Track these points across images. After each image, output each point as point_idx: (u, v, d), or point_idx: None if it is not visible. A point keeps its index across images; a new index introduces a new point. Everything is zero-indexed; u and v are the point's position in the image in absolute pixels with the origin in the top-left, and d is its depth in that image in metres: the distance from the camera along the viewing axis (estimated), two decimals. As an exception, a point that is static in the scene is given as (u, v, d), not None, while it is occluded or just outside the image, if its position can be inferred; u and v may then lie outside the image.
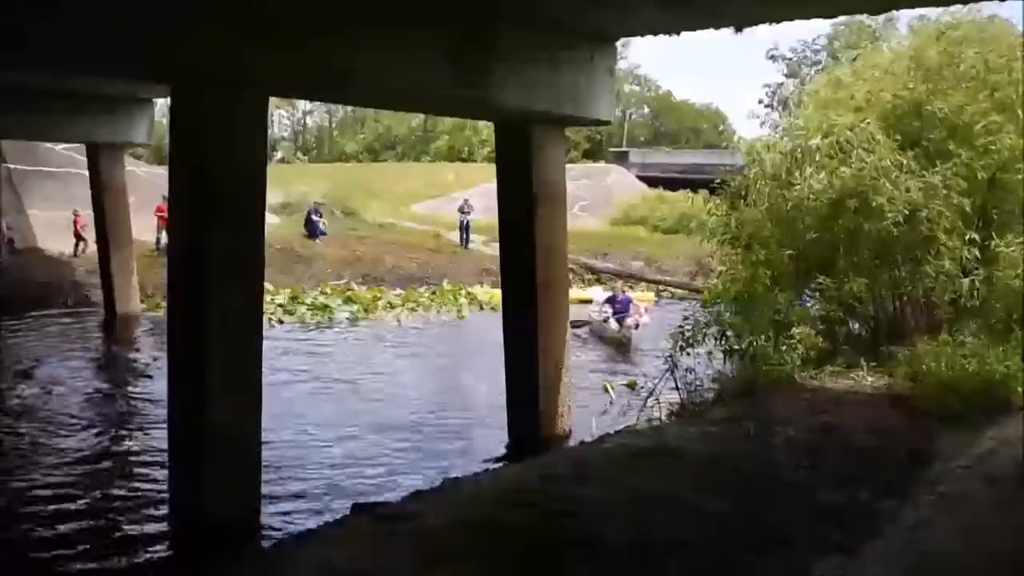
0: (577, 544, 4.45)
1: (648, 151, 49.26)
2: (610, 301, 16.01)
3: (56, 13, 5.67)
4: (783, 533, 4.42)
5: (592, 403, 10.23)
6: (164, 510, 6.75)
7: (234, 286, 6.20)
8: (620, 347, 14.53)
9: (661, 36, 7.98)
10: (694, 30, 7.86)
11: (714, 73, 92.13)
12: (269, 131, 12.88)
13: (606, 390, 11.10)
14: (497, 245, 9.32)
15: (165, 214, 18.56)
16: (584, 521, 4.71)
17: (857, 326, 9.29)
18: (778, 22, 7.49)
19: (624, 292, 16.84)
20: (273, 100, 8.91)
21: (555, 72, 7.75)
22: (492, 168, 9.14)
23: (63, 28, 5.71)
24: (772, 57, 52.92)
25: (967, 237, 8.23)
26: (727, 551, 4.23)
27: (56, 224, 18.64)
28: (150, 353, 12.97)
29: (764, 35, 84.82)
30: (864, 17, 29.17)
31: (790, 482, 5.30)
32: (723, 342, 8.82)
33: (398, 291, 20.22)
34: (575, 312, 10.96)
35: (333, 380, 11.63)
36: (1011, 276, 8.06)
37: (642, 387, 9.25)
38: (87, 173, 16.58)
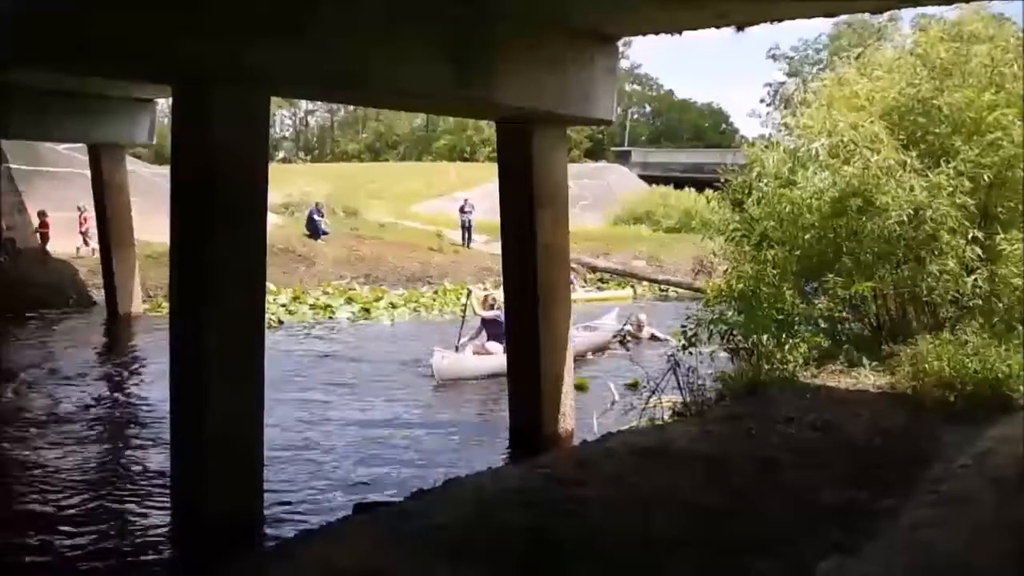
0: (578, 544, 4.45)
1: (650, 150, 49.30)
2: (487, 323, 12.53)
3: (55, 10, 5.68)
4: (784, 532, 4.42)
5: (594, 402, 10.22)
6: (165, 510, 6.77)
7: (235, 286, 6.19)
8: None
9: (662, 35, 7.98)
10: (695, 29, 7.85)
11: (715, 72, 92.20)
12: (271, 131, 12.89)
13: (579, 387, 10.73)
14: (499, 245, 9.31)
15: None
16: (585, 521, 4.71)
17: (860, 324, 9.30)
18: (779, 21, 7.48)
19: (495, 303, 12.62)
20: (275, 100, 8.93)
21: (556, 72, 7.75)
22: (494, 168, 9.13)
23: (62, 26, 5.72)
24: (773, 56, 52.92)
25: (970, 235, 8.23)
26: (728, 551, 4.23)
27: (57, 224, 18.62)
28: (151, 355, 12.96)
29: (765, 35, 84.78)
30: (867, 16, 29.12)
31: (791, 481, 5.30)
32: (727, 341, 8.83)
33: (400, 291, 20.24)
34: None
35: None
36: (1014, 274, 8.06)
37: (644, 387, 9.24)
38: (88, 173, 16.60)
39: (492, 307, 12.83)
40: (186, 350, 6.30)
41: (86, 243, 18.69)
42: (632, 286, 23.26)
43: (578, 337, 12.41)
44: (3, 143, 17.97)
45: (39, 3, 6.02)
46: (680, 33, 7.81)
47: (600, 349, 14.40)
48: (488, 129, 38.11)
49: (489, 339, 12.50)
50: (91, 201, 16.56)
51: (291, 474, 7.82)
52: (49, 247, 18.21)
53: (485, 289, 17.95)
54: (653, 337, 14.89)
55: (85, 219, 18.56)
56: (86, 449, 8.58)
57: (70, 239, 18.61)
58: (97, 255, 17.46)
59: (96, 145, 15.97)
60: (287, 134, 67.74)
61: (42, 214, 18.26)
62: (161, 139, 20.09)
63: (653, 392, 8.89)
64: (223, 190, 6.08)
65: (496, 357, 11.88)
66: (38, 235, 18.22)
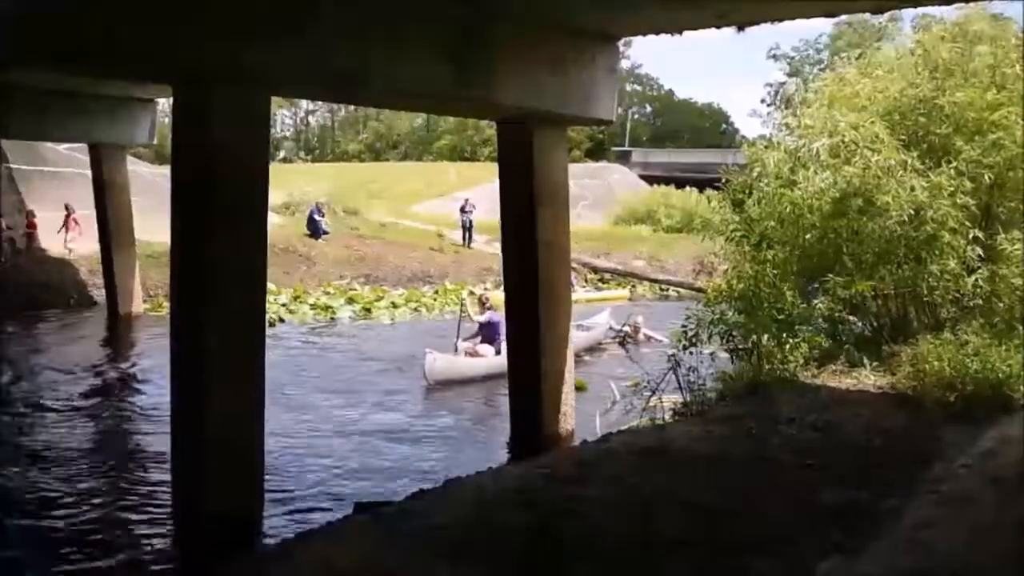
0: (579, 543, 4.45)
1: (650, 150, 49.26)
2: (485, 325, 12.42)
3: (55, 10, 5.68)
4: (784, 532, 4.42)
5: (594, 402, 10.21)
6: (165, 510, 6.77)
7: (236, 286, 6.19)
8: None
9: (662, 35, 7.97)
10: (695, 29, 7.85)
11: (715, 72, 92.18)
12: (272, 130, 12.77)
13: (577, 388, 10.67)
14: (499, 245, 9.30)
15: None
16: (586, 520, 4.71)
17: (860, 324, 9.29)
18: (779, 21, 7.48)
19: (488, 303, 12.88)
20: (275, 100, 8.92)
21: (557, 72, 7.74)
22: (494, 168, 9.12)
23: (62, 26, 5.72)
24: (774, 56, 52.92)
25: (971, 235, 8.22)
26: (728, 550, 4.23)
27: (54, 224, 18.59)
28: (151, 355, 12.94)
29: (765, 35, 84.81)
30: (867, 16, 29.10)
31: (792, 481, 5.30)
32: (727, 341, 8.82)
33: (401, 291, 20.23)
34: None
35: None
36: (1015, 274, 8.06)
37: (644, 387, 9.24)
38: (89, 173, 16.60)
39: (485, 306, 12.84)
40: (186, 350, 6.29)
41: (65, 244, 18.22)
42: (632, 286, 23.27)
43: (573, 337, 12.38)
44: (3, 143, 17.97)
45: (39, 3, 6.02)
46: (680, 33, 7.80)
47: (592, 349, 14.41)
48: (489, 129, 38.11)
49: (482, 341, 12.42)
50: (91, 201, 16.53)
51: (289, 474, 7.82)
52: (47, 248, 18.14)
53: (485, 289, 17.97)
54: (648, 338, 14.91)
55: (75, 220, 18.26)
56: (87, 449, 8.58)
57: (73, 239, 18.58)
58: (86, 255, 17.36)
59: (97, 145, 15.96)
60: (287, 134, 67.75)
61: (30, 214, 18.15)
62: (161, 139, 20.09)
63: (653, 392, 8.89)
64: (223, 190, 6.07)
65: (488, 359, 11.92)
66: (25, 235, 18.03)
